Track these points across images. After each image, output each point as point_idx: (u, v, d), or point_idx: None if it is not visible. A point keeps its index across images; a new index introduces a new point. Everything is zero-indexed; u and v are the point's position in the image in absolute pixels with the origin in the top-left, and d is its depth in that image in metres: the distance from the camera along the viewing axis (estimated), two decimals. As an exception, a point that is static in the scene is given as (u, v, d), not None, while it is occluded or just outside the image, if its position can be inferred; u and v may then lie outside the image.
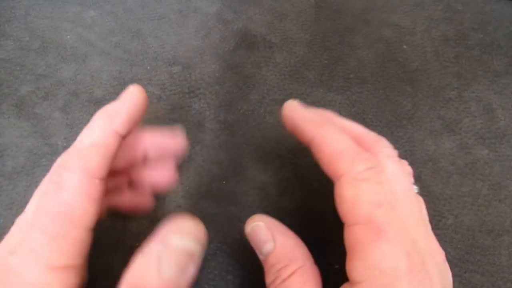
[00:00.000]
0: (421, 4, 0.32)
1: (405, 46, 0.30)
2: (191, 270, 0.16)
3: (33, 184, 0.24)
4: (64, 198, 0.15)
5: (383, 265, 0.15)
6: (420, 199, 0.19)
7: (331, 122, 0.19)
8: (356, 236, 0.16)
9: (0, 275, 0.14)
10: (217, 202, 0.24)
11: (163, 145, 0.21)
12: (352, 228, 0.16)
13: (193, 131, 0.26)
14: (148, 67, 0.28)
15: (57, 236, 0.14)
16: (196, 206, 0.24)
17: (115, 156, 0.17)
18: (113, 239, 0.22)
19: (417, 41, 0.30)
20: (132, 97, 0.19)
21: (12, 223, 0.22)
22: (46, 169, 0.24)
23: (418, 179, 0.25)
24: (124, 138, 0.18)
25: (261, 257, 0.19)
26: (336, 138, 0.18)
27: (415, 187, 0.19)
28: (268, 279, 0.18)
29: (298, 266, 0.17)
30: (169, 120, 0.26)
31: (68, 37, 0.29)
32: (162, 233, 0.16)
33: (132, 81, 0.27)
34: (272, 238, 0.19)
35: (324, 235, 0.23)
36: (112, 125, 0.17)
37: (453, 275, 0.23)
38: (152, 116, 0.26)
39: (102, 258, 0.21)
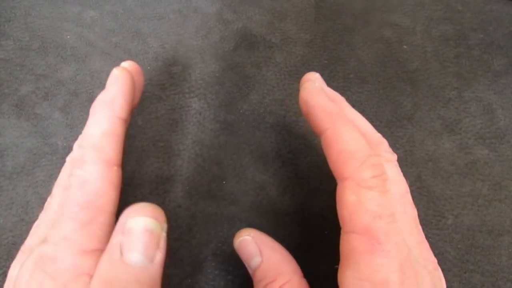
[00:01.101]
0: (421, 4, 0.32)
1: (405, 46, 0.30)
2: (159, 257, 0.16)
3: (33, 184, 0.24)
4: (90, 189, 0.16)
5: (375, 277, 0.15)
6: (414, 207, 0.18)
7: (346, 116, 0.18)
8: (352, 245, 0.16)
9: (37, 262, 0.15)
10: (217, 202, 0.24)
11: None
12: (349, 235, 0.16)
13: (193, 131, 0.26)
14: (148, 67, 0.28)
15: (86, 223, 0.15)
16: (196, 206, 0.24)
17: (124, 140, 0.18)
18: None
19: (417, 41, 0.30)
20: (120, 79, 0.19)
21: (12, 223, 0.23)
22: (46, 169, 0.24)
23: (418, 179, 0.25)
24: (127, 121, 0.19)
25: (250, 271, 0.19)
26: (348, 136, 0.17)
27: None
28: None
29: (284, 281, 0.17)
30: (169, 120, 0.26)
31: (68, 37, 0.29)
32: (120, 222, 0.16)
33: (132, 81, 0.27)
34: (259, 253, 0.19)
35: (324, 235, 0.23)
36: (115, 112, 0.18)
37: (453, 275, 0.23)
38: (152, 117, 0.26)
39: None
